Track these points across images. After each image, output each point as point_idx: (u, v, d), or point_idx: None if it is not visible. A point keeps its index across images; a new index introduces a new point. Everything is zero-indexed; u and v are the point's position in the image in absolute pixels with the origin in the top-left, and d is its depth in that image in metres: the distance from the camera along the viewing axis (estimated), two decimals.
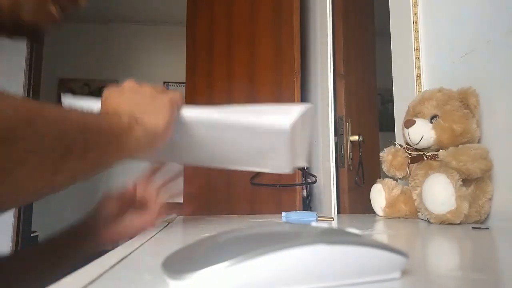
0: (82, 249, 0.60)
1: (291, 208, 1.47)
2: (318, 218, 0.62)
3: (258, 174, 1.54)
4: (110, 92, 0.48)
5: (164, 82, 3.90)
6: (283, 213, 0.63)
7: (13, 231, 2.18)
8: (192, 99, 2.04)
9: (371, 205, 0.75)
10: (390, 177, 0.76)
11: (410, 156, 0.73)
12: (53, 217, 2.48)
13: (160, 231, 0.53)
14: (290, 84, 1.50)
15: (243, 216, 0.87)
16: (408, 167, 0.74)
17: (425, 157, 0.70)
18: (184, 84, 2.18)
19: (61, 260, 0.58)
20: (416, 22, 0.91)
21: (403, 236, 0.52)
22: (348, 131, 1.44)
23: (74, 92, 3.76)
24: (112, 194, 0.63)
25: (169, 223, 0.65)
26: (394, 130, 0.95)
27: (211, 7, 1.97)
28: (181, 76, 2.36)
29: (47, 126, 0.31)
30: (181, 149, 0.55)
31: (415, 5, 0.91)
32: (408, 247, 0.41)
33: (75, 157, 0.34)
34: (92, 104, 0.50)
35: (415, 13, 0.91)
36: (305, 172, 1.50)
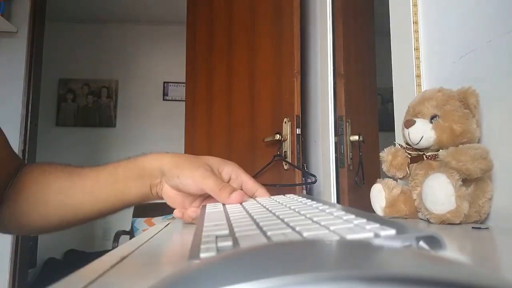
0: None
1: None
2: None
3: (257, 174, 1.55)
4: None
5: (164, 82, 3.90)
6: None
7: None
8: (192, 99, 2.04)
9: (371, 205, 0.75)
10: (390, 177, 0.76)
11: (410, 156, 0.73)
12: None
13: (160, 231, 0.53)
14: (290, 84, 1.50)
15: None
16: (408, 167, 0.74)
17: (425, 157, 0.70)
18: (184, 84, 2.18)
19: None
20: (416, 22, 0.91)
21: None
22: (348, 131, 1.44)
23: (74, 92, 3.75)
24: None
25: (169, 223, 0.65)
26: (394, 130, 0.95)
27: (211, 7, 1.97)
28: (181, 76, 2.36)
29: None
30: None
31: (415, 5, 0.91)
32: None
33: None
34: None
35: (415, 13, 0.91)
36: (305, 172, 1.50)
